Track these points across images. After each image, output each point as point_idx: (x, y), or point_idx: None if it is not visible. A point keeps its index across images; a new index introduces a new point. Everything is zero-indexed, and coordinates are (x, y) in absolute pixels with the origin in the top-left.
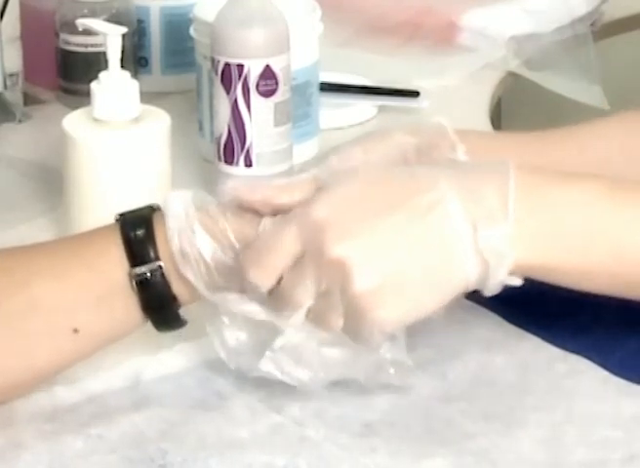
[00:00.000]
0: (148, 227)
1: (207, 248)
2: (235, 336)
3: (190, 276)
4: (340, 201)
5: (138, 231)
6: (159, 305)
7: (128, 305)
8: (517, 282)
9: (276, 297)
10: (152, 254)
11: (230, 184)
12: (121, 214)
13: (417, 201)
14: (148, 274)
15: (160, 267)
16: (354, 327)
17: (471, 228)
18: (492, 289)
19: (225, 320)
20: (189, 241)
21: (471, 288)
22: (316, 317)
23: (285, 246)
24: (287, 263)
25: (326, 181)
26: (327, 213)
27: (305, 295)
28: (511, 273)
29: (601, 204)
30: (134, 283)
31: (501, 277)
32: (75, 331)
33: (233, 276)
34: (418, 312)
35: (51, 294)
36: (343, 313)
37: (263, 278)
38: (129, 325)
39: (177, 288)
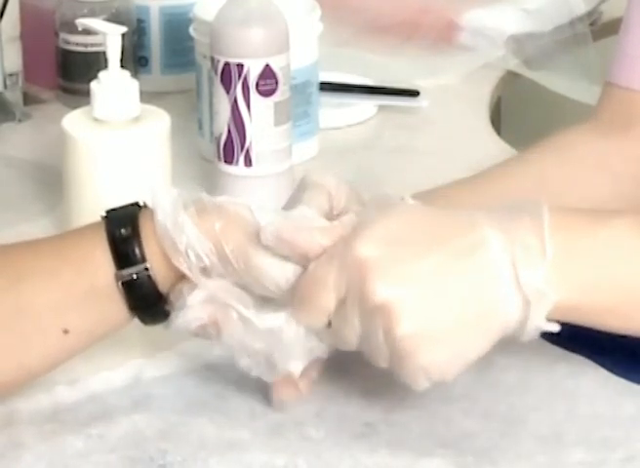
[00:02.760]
0: (134, 226)
1: (196, 238)
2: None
3: (183, 266)
4: (381, 238)
5: (123, 230)
6: (146, 305)
7: (116, 304)
8: (555, 327)
9: (330, 334)
10: (138, 255)
11: (273, 227)
12: (108, 212)
13: (459, 241)
14: (135, 276)
15: (146, 269)
16: (399, 368)
17: (512, 269)
18: (529, 333)
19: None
20: (179, 231)
21: (510, 332)
22: (366, 355)
23: (329, 286)
24: (334, 303)
25: (364, 216)
26: (369, 251)
27: (352, 336)
28: (548, 317)
29: (630, 243)
30: (120, 284)
31: (541, 318)
32: (65, 331)
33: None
34: (462, 358)
35: (40, 296)
36: (388, 354)
37: (313, 319)
38: (118, 322)
39: (163, 286)
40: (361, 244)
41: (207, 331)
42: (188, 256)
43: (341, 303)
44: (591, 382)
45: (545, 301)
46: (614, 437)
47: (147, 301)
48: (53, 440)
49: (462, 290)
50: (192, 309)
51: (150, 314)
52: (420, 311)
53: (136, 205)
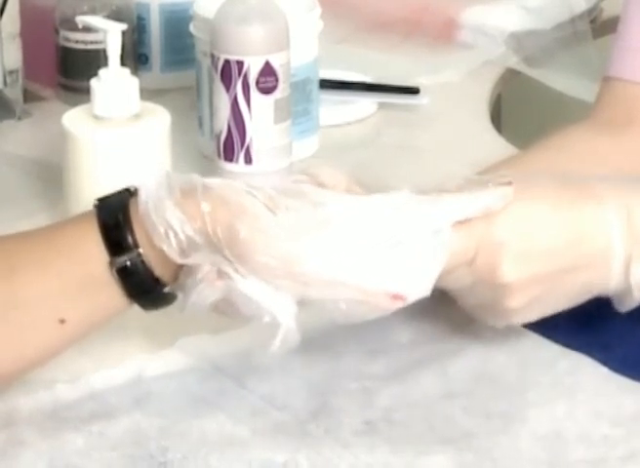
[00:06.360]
0: (125, 212)
1: (176, 218)
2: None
3: (163, 246)
4: (515, 224)
5: (114, 217)
6: (143, 290)
7: (112, 292)
8: None
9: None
10: (130, 241)
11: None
12: (99, 200)
13: (585, 244)
14: (128, 262)
15: (139, 254)
16: (488, 317)
17: (624, 262)
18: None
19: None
20: (160, 211)
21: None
22: (456, 294)
23: (465, 258)
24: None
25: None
26: (507, 236)
27: (461, 288)
28: None
29: None
30: (114, 272)
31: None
32: (61, 321)
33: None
34: (549, 312)
35: (34, 287)
36: (484, 306)
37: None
38: (115, 310)
39: (159, 270)
40: (498, 228)
41: (220, 306)
42: (168, 237)
43: (465, 266)
44: (591, 380)
45: None
46: (614, 434)
47: (144, 287)
48: (53, 437)
49: (573, 274)
50: (206, 284)
51: (150, 300)
52: (532, 292)
53: (127, 191)
